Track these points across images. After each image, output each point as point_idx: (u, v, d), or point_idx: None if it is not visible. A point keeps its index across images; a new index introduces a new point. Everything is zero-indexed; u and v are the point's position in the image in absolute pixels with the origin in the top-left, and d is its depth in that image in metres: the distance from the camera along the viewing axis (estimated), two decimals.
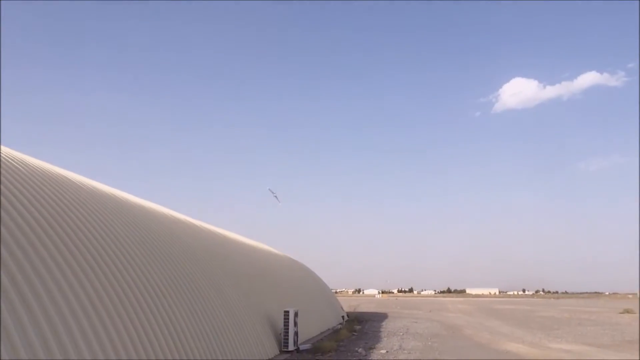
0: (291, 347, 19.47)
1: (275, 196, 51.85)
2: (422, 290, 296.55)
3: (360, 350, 21.62)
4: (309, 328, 26.05)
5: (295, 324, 19.94)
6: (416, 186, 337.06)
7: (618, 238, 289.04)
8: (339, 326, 35.09)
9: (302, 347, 20.79)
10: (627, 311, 56.17)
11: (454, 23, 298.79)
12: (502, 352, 21.41)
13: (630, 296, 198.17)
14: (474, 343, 25.13)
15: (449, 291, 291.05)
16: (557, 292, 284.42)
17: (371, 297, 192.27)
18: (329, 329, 32.32)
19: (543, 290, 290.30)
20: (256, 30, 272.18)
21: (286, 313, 19.72)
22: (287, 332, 19.49)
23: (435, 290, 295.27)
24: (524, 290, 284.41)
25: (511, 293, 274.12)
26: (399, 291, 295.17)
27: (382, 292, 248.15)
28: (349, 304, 74.39)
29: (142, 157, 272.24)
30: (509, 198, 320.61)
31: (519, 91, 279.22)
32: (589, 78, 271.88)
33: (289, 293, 27.39)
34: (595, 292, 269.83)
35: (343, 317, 43.53)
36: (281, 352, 19.20)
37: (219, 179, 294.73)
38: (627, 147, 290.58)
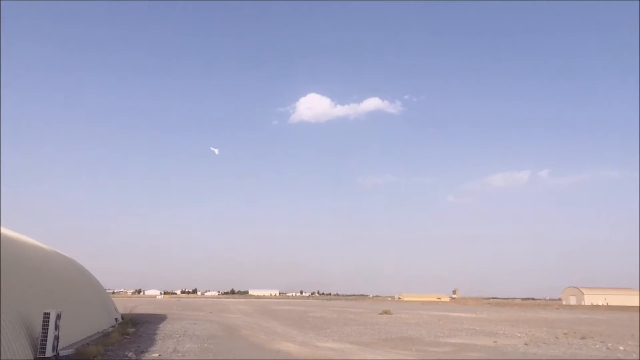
0: (49, 353, 17.33)
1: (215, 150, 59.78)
2: (206, 291, 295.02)
3: (130, 354, 20.35)
4: (75, 331, 23.62)
5: (57, 327, 17.83)
6: (209, 188, 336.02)
7: (382, 247, 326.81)
8: (111, 329, 32.66)
9: (62, 353, 18.68)
10: (386, 312, 63.74)
11: (263, 33, 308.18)
12: (275, 352, 22.28)
13: (389, 299, 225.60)
14: (249, 343, 25.69)
15: (232, 292, 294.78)
16: (330, 294, 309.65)
17: (152, 298, 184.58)
18: (98, 332, 29.80)
19: (318, 292, 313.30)
20: None
21: (46, 315, 17.51)
22: (46, 337, 17.31)
23: (219, 291, 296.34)
24: (301, 292, 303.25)
25: (290, 294, 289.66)
26: (183, 292, 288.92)
27: (165, 293, 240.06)
28: (125, 305, 70.08)
29: None
30: (297, 204, 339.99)
31: (313, 105, 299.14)
32: (372, 103, 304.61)
33: (53, 292, 24.49)
34: (362, 295, 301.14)
35: (117, 319, 40.73)
36: (36, 359, 16.97)
37: None
38: (399, 169, 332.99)
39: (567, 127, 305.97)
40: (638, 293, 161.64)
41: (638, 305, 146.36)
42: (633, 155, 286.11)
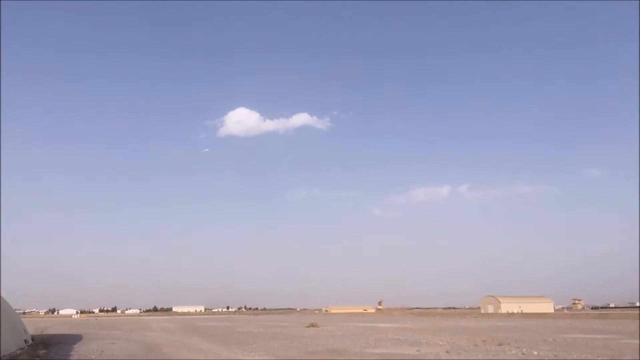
0: None
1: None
2: (127, 310, 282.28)
3: None
4: None
5: None
6: (130, 201, 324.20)
7: (309, 260, 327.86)
8: (19, 351, 30.25)
9: None
10: (313, 325, 63.67)
11: (193, 45, 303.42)
12: None
13: (316, 312, 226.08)
14: None
15: (155, 310, 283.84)
16: (257, 309, 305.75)
17: (68, 317, 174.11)
18: (5, 356, 27.52)
19: (245, 307, 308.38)
20: None
21: None
22: None
23: (140, 309, 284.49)
24: (228, 307, 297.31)
25: (216, 310, 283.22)
26: (101, 311, 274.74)
27: (82, 312, 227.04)
28: (37, 326, 65.50)
29: None
30: (223, 219, 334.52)
31: (242, 119, 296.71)
32: (301, 118, 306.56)
33: None
34: (289, 308, 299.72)
35: (26, 340, 37.82)
36: None
37: None
38: (326, 183, 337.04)
39: (485, 144, 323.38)
40: (550, 301, 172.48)
41: (552, 311, 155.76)
42: (544, 172, 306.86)
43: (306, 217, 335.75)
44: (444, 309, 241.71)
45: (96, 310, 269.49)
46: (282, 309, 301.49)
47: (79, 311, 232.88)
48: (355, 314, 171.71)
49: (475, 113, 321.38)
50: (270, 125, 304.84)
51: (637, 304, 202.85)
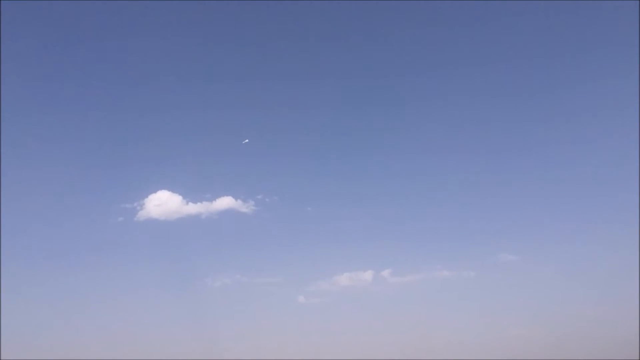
0: None
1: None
2: None
3: None
4: None
5: None
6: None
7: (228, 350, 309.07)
8: None
9: None
10: None
11: (112, 128, 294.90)
12: None
13: None
14: None
15: None
16: None
17: None
18: None
19: None
20: None
21: None
22: None
23: None
24: None
25: None
26: None
27: None
28: None
29: None
30: (138, 306, 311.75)
31: (163, 202, 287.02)
32: (225, 202, 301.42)
33: None
34: None
35: None
36: None
37: None
38: (248, 268, 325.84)
39: (405, 231, 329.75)
40: None
41: None
42: (459, 259, 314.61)
43: (227, 305, 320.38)
44: None
45: None
46: None
47: None
48: None
49: (393, 200, 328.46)
50: (193, 208, 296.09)
51: None
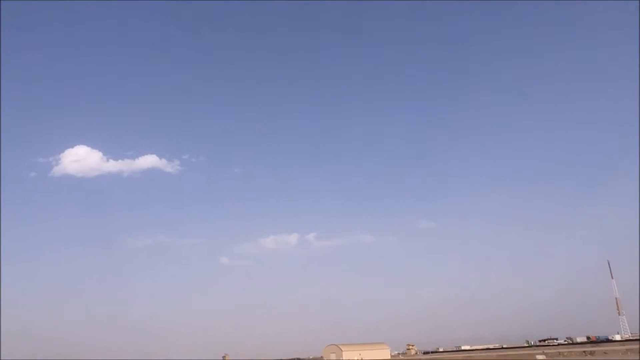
0: None
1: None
2: None
3: None
4: None
5: None
6: None
7: (154, 310, 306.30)
8: None
9: None
10: None
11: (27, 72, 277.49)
12: None
13: None
14: None
15: None
16: None
17: None
18: None
19: None
20: None
21: None
22: None
23: None
24: None
25: None
26: None
27: None
28: None
29: None
30: (55, 266, 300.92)
31: (81, 158, 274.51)
32: (149, 160, 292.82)
33: None
34: None
35: None
36: None
37: None
38: (171, 229, 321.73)
39: (332, 196, 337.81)
40: (387, 347, 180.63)
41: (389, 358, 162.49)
42: (383, 224, 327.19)
43: (150, 265, 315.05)
44: (288, 359, 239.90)
45: None
46: None
47: None
48: None
49: (327, 168, 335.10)
50: (113, 165, 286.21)
51: (463, 347, 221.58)
